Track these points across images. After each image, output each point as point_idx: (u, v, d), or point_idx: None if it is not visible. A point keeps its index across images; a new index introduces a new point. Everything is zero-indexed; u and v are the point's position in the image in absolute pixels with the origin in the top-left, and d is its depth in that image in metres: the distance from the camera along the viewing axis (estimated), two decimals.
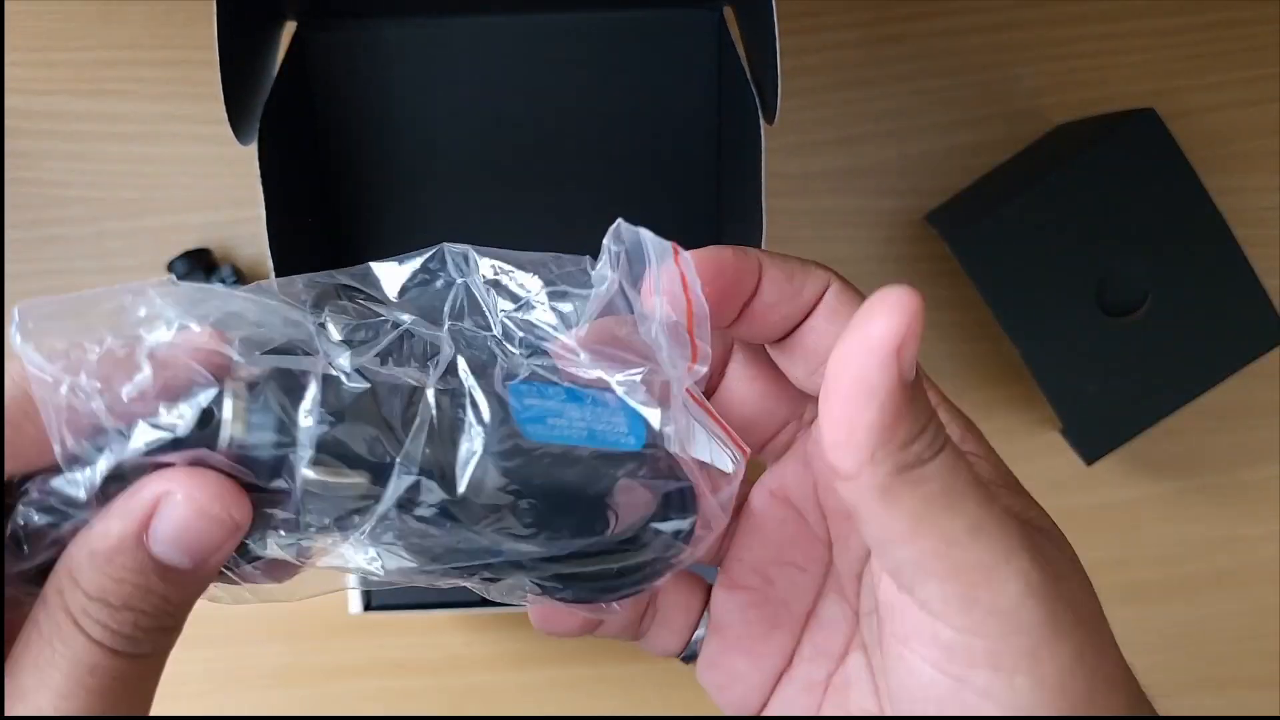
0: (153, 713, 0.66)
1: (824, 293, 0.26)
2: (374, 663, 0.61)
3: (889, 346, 0.21)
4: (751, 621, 0.29)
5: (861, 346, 0.21)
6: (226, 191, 0.58)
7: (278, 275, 0.42)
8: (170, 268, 0.57)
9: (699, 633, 0.30)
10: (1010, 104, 0.59)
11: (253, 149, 0.42)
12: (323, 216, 0.50)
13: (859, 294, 0.26)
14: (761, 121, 0.42)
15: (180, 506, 0.21)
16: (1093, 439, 0.54)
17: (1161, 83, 0.59)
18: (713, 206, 0.50)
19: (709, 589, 0.30)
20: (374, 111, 0.49)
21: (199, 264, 0.57)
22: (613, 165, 0.50)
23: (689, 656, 0.30)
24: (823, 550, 0.29)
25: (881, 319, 0.21)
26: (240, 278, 0.57)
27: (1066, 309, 0.53)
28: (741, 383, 0.28)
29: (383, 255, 0.50)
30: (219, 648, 0.61)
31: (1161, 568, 0.62)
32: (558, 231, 0.50)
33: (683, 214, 0.50)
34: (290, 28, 0.48)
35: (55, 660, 0.21)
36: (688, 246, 0.51)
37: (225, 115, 0.59)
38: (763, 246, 0.42)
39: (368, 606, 0.52)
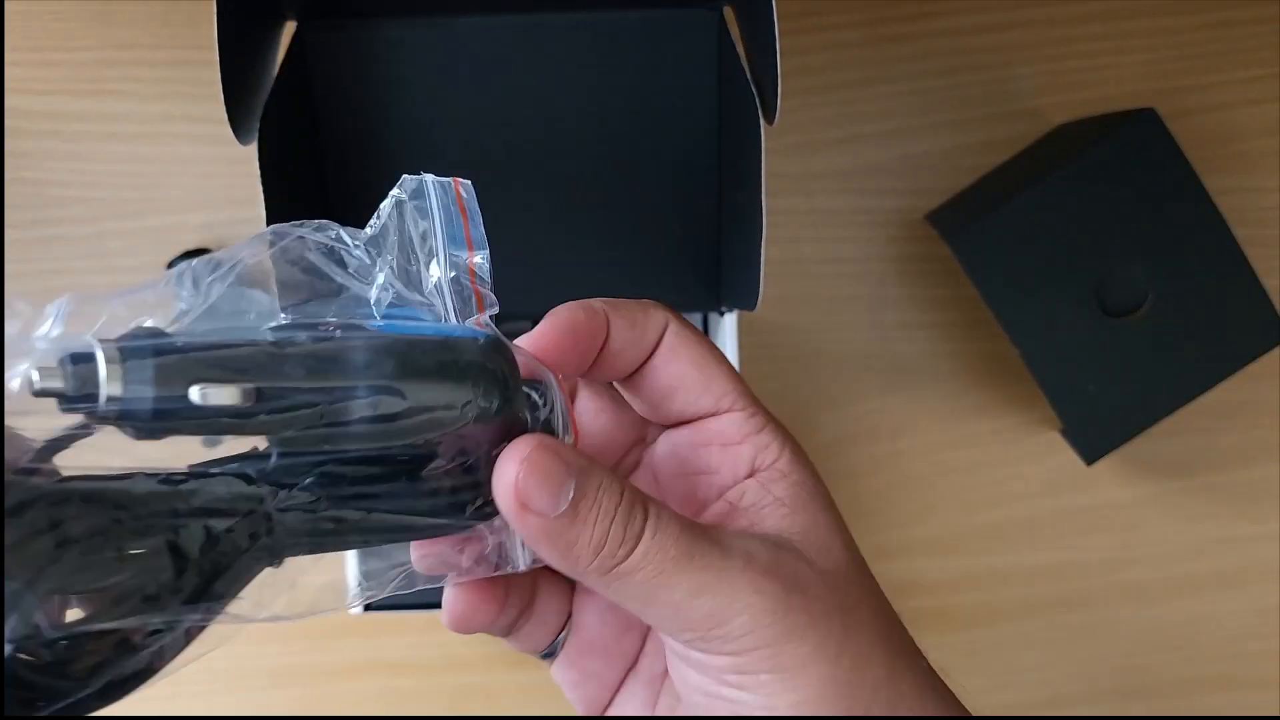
0: (153, 713, 0.66)
1: (664, 333, 0.30)
2: (372, 662, 0.61)
3: (514, 507, 0.25)
4: (609, 624, 0.32)
5: (508, 514, 0.26)
6: (226, 191, 0.58)
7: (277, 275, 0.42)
8: (170, 268, 0.57)
9: (563, 635, 0.32)
10: (1010, 104, 0.59)
11: (252, 149, 0.42)
12: (322, 216, 0.50)
13: (694, 330, 0.30)
14: (761, 121, 0.42)
15: None
16: (1093, 439, 0.54)
17: (1161, 83, 0.59)
18: (713, 206, 0.50)
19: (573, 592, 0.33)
20: (374, 111, 0.49)
21: None
22: (613, 165, 0.50)
23: (549, 654, 0.32)
24: None
25: (499, 485, 0.25)
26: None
27: (1067, 309, 0.53)
28: (589, 416, 0.32)
29: None
30: (219, 647, 0.61)
31: (1161, 567, 0.62)
32: (558, 230, 0.50)
33: (683, 214, 0.50)
34: (290, 27, 0.48)
35: None
36: (688, 247, 0.51)
37: (225, 115, 0.59)
38: (762, 246, 0.42)
39: (367, 606, 0.52)
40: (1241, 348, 0.54)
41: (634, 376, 0.30)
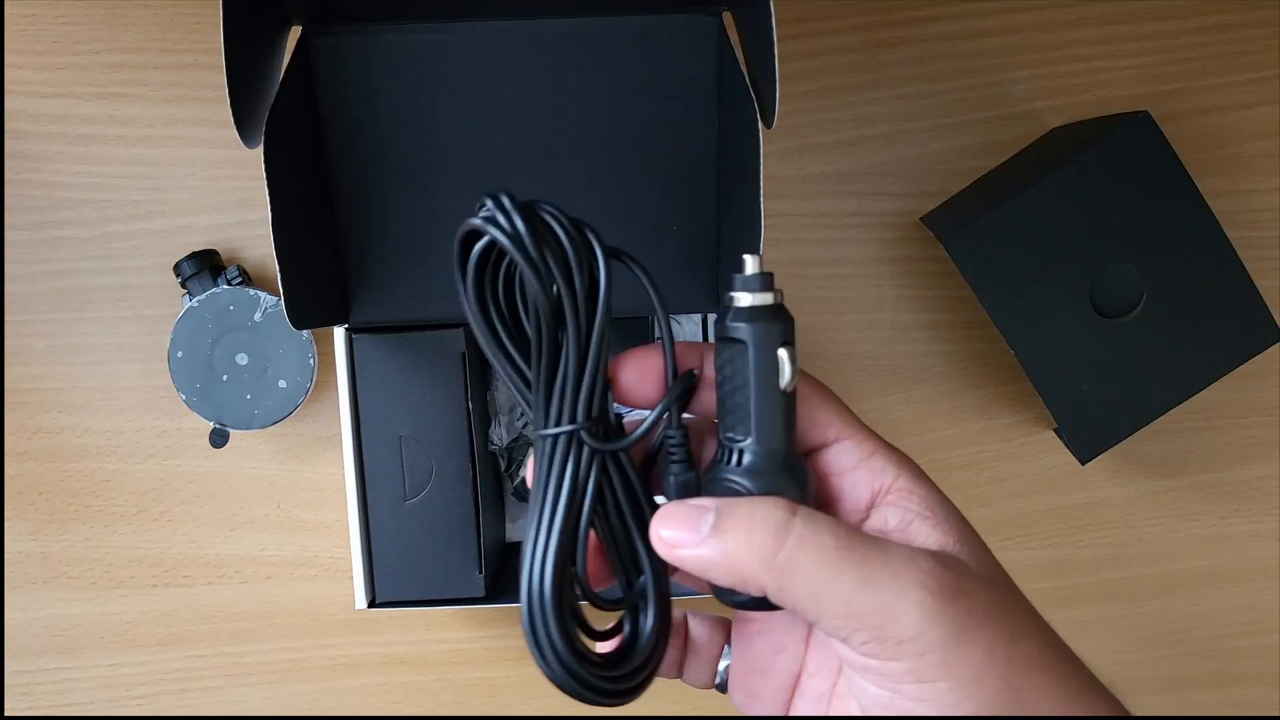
0: (157, 711, 0.67)
1: None
2: (377, 658, 0.62)
3: (668, 555, 0.31)
4: (761, 646, 0.34)
5: (672, 561, 0.31)
6: (233, 194, 0.59)
7: (283, 277, 0.43)
8: (177, 269, 0.57)
9: (724, 663, 0.36)
10: (1006, 107, 0.59)
11: (259, 152, 0.42)
12: (327, 218, 0.50)
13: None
14: (760, 125, 0.43)
15: None
16: (1087, 438, 0.55)
17: (1156, 86, 0.59)
18: (712, 210, 0.51)
19: (729, 626, 0.36)
20: (378, 115, 0.49)
21: (205, 264, 0.57)
22: (614, 168, 0.50)
23: (721, 686, 0.36)
24: None
25: (659, 546, 0.31)
26: (246, 279, 0.57)
27: (1061, 310, 0.54)
28: None
29: (386, 254, 0.51)
30: (224, 644, 0.61)
31: (1155, 565, 0.62)
32: None
33: (683, 216, 0.51)
34: (295, 32, 0.49)
35: None
36: (688, 249, 0.51)
37: (229, 117, 0.59)
38: (760, 249, 0.42)
39: (371, 603, 0.53)
40: (1235, 348, 0.54)
41: None
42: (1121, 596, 0.63)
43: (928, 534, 0.31)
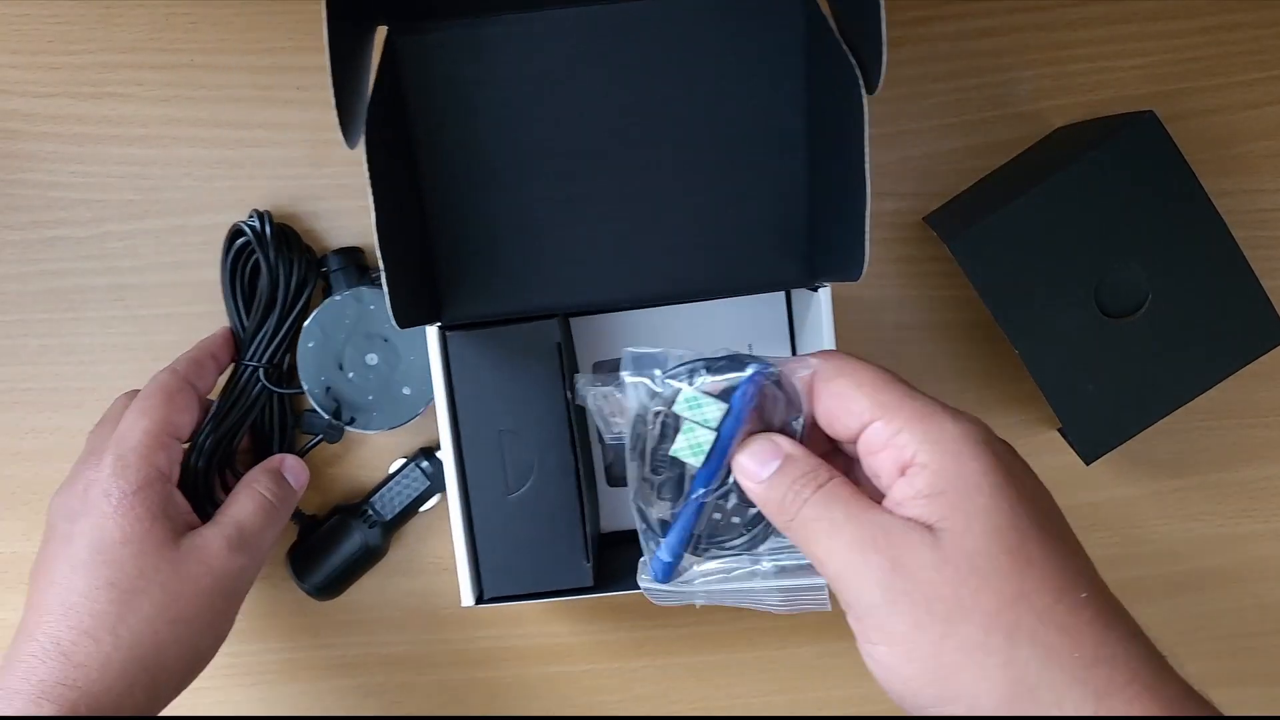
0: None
1: (812, 377, 0.39)
2: (375, 658, 0.62)
3: (741, 477, 0.39)
4: None
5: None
6: (228, 194, 0.58)
7: (387, 277, 0.43)
8: (323, 261, 0.57)
9: None
10: (1010, 107, 0.59)
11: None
12: (419, 217, 0.50)
13: (838, 365, 0.39)
14: (863, 91, 0.42)
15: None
16: (1091, 438, 0.55)
17: (1161, 86, 0.59)
18: (803, 182, 0.50)
19: None
20: (464, 110, 0.49)
21: (350, 261, 0.57)
22: (701, 145, 0.50)
23: None
24: None
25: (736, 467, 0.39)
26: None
27: (1066, 310, 0.53)
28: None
29: (476, 250, 0.50)
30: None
31: (1160, 565, 0.62)
32: (650, 214, 0.50)
33: (772, 191, 0.50)
34: (381, 32, 0.48)
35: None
36: (778, 227, 0.52)
37: (225, 117, 0.58)
38: (867, 216, 0.42)
39: (479, 599, 0.52)
40: (1241, 348, 0.54)
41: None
42: (1128, 597, 0.62)
43: (919, 509, 0.35)
